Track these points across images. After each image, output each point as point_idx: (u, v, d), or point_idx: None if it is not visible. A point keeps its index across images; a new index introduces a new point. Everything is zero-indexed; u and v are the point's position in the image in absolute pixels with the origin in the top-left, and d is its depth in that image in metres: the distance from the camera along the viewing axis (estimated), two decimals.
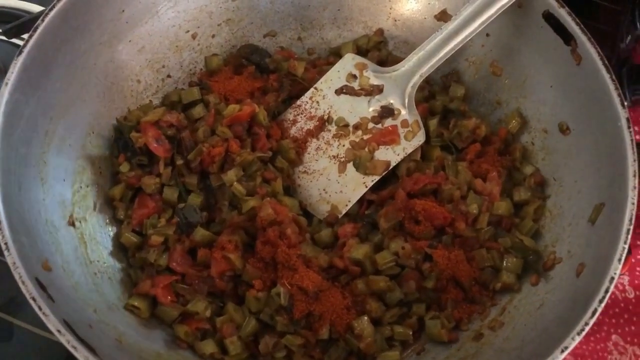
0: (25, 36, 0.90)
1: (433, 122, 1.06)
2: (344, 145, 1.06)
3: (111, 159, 1.03)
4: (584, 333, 0.75)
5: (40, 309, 0.73)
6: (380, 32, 1.15)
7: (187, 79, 1.13)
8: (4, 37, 1.10)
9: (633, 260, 1.11)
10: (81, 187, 0.97)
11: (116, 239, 0.98)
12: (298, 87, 1.11)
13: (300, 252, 0.92)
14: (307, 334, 0.89)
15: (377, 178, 1.03)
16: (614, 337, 1.04)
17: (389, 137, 1.04)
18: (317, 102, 1.08)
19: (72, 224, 0.92)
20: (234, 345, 0.90)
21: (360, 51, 1.14)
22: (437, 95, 1.11)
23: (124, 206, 1.00)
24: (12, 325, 1.00)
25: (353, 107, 1.07)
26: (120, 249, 0.98)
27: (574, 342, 0.74)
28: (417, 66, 1.03)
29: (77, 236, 0.92)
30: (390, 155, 1.04)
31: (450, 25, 1.01)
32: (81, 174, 0.98)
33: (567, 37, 0.95)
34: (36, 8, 1.24)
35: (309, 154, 1.07)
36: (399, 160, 1.03)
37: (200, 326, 0.91)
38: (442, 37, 1.02)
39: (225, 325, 0.91)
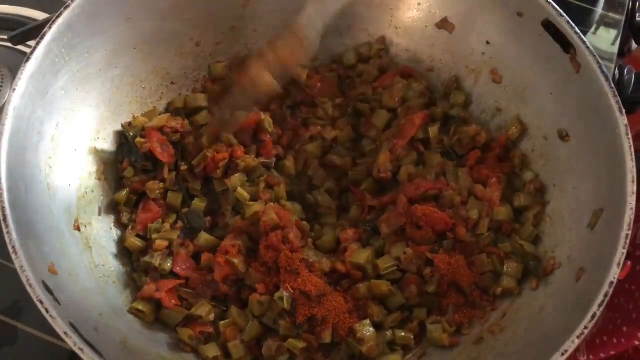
0: (31, 43, 0.91)
1: (434, 129, 1.07)
2: None
3: (116, 164, 1.04)
4: (583, 337, 0.76)
5: (47, 311, 0.74)
6: (382, 39, 1.16)
7: (191, 86, 1.14)
8: (9, 44, 1.11)
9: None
10: (86, 192, 0.98)
11: (121, 244, 0.99)
12: (302, 94, 1.12)
13: (303, 257, 0.93)
14: (309, 337, 0.90)
15: None
16: None
17: None
18: None
19: (78, 229, 0.93)
20: (237, 349, 0.91)
21: (362, 58, 1.15)
22: (437, 102, 1.12)
23: (128, 211, 1.01)
24: (16, 329, 1.00)
25: None
26: (125, 253, 0.99)
27: (573, 345, 0.75)
28: None
29: (83, 241, 0.93)
30: None
31: None
32: (86, 179, 0.99)
33: (566, 45, 0.96)
34: (41, 15, 1.25)
35: None
36: None
37: (204, 330, 0.92)
38: None
39: (229, 329, 0.92)
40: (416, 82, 1.11)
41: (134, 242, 0.98)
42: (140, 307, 0.92)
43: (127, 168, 1.03)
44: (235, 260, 0.93)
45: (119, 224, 1.01)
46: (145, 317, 0.92)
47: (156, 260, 0.95)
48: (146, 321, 0.92)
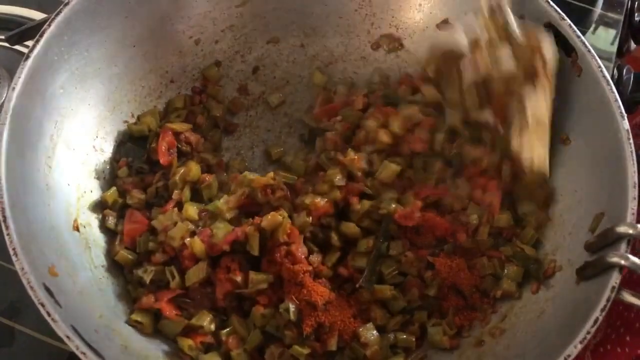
0: (29, 43, 0.90)
1: (439, 138, 1.04)
2: None
3: (112, 163, 1.03)
4: (586, 341, 0.76)
5: (49, 314, 0.73)
6: (389, 35, 1.15)
7: (190, 84, 1.14)
8: (6, 44, 1.10)
9: None
10: (85, 192, 0.97)
11: (109, 256, 0.96)
12: None
13: (306, 269, 0.90)
14: (315, 345, 0.89)
15: None
16: None
17: None
18: None
19: (77, 229, 0.92)
20: (240, 358, 0.89)
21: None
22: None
23: (114, 215, 0.98)
24: (13, 329, 0.99)
25: None
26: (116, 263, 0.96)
27: (576, 350, 0.75)
28: None
29: (82, 241, 0.92)
30: None
31: None
32: (85, 178, 0.98)
33: (568, 49, 0.96)
34: (39, 15, 1.24)
35: None
36: None
37: (205, 340, 0.90)
38: None
39: (231, 338, 0.90)
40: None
41: (125, 255, 0.94)
42: (139, 319, 0.89)
43: (122, 167, 1.02)
44: (238, 279, 0.90)
45: (104, 227, 0.98)
46: (144, 329, 0.90)
47: (148, 276, 0.92)
48: (145, 332, 0.90)
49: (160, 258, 0.93)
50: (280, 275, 0.91)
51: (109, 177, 1.03)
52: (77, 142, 0.97)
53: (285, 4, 1.14)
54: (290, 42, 1.18)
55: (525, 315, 0.91)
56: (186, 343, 0.89)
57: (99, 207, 0.99)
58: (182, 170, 0.99)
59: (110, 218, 0.98)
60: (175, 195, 0.98)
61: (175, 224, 0.93)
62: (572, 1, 1.43)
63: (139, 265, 0.95)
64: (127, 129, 1.05)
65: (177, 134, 1.02)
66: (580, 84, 0.95)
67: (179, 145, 1.02)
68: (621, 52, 1.41)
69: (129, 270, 0.95)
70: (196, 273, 0.91)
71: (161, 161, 1.01)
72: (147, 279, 0.92)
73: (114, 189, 1.00)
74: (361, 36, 1.17)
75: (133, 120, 1.06)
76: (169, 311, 0.90)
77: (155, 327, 0.91)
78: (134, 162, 1.02)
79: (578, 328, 0.77)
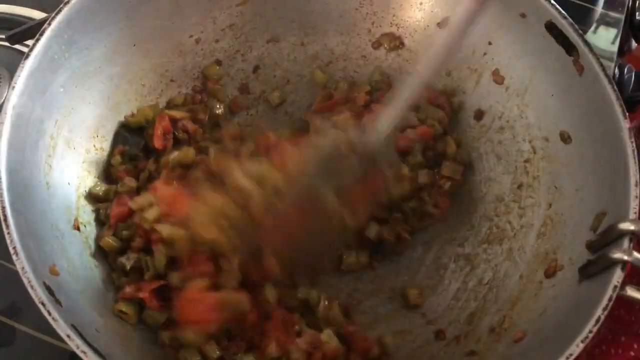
0: (29, 42, 0.90)
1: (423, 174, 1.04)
2: None
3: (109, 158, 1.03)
4: (587, 341, 0.76)
5: (49, 313, 0.73)
6: (390, 35, 1.15)
7: (190, 83, 1.13)
8: (7, 43, 1.10)
9: None
10: (85, 191, 0.97)
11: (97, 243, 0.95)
12: None
13: None
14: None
15: None
16: None
17: None
18: None
19: (77, 228, 0.92)
20: (212, 348, 0.87)
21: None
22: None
23: (104, 207, 0.97)
24: (14, 329, 0.99)
25: None
26: (102, 252, 0.95)
27: (578, 349, 0.75)
28: None
29: (82, 240, 0.92)
30: None
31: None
32: (85, 177, 0.98)
33: (569, 47, 0.96)
34: (40, 15, 1.24)
35: None
36: None
37: None
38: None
39: None
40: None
41: (110, 241, 0.93)
42: (123, 309, 0.88)
43: (116, 156, 1.01)
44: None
45: (98, 221, 0.97)
46: (128, 319, 0.88)
47: (129, 263, 0.91)
48: (130, 323, 0.88)
49: (139, 243, 0.92)
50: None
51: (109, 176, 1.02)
52: (78, 140, 0.97)
53: (285, 3, 1.14)
54: (290, 41, 1.17)
55: (526, 314, 0.91)
56: (166, 335, 0.87)
57: (90, 199, 0.99)
58: (175, 152, 0.98)
59: (102, 211, 0.97)
60: (163, 175, 0.96)
61: (151, 205, 0.91)
62: (573, 0, 1.43)
63: (123, 252, 0.93)
64: (124, 121, 1.04)
65: (174, 121, 1.01)
66: (581, 83, 0.95)
67: (176, 132, 1.01)
68: (622, 51, 1.41)
69: (113, 258, 0.93)
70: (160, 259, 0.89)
71: (155, 145, 1.01)
72: (128, 266, 0.91)
73: (102, 185, 0.99)
74: (362, 35, 1.17)
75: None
76: (151, 302, 0.89)
77: (139, 318, 0.90)
78: (130, 149, 1.02)
79: (580, 327, 0.77)
